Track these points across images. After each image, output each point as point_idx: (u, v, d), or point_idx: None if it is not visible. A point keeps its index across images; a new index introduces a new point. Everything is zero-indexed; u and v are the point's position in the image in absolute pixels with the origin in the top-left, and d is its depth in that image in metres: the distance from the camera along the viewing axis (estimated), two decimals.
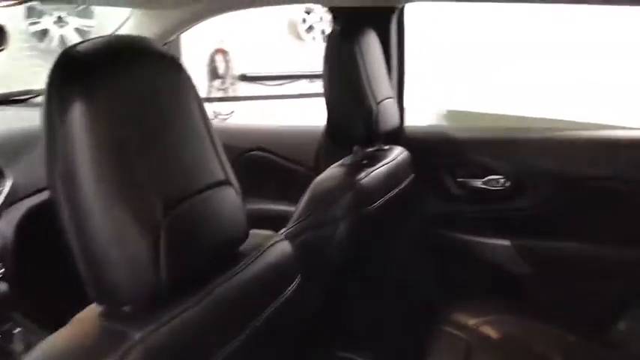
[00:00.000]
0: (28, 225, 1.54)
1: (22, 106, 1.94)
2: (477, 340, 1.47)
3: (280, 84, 4.96)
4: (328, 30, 4.28)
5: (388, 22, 1.69)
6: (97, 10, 4.93)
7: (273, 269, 0.84)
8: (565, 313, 1.60)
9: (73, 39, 5.85)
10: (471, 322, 1.53)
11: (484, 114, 2.83)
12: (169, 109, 0.71)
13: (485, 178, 1.70)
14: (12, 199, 1.48)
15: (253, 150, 2.01)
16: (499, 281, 1.71)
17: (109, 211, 0.62)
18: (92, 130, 0.61)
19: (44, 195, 1.57)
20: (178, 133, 0.71)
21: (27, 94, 1.96)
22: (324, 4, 1.79)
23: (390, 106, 1.44)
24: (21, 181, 1.51)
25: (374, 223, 1.36)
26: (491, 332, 1.50)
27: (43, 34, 5.76)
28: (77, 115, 0.61)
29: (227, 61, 4.80)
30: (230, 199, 0.76)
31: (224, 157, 0.77)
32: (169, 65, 0.73)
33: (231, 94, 4.91)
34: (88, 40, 0.68)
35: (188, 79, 0.75)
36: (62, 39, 5.77)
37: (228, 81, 4.87)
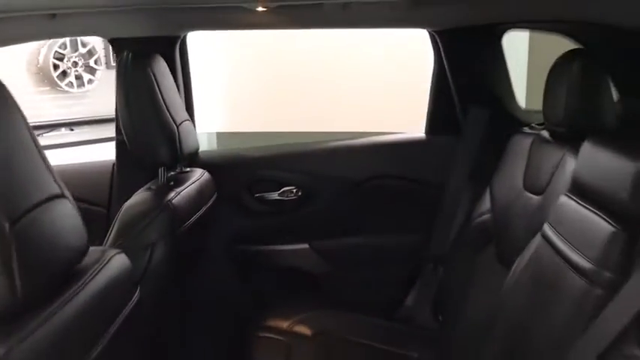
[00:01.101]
0: None
1: None
2: (294, 339, 1.60)
3: (38, 134, 4.51)
4: (85, 75, 4.08)
5: (173, 49, 1.73)
6: None
7: (114, 283, 0.89)
8: (364, 299, 1.82)
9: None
10: (285, 324, 1.65)
11: (249, 133, 3.03)
12: None
13: (280, 190, 1.85)
14: None
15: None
16: (304, 282, 1.87)
17: None
18: None
19: None
20: (10, 148, 0.72)
21: None
22: (104, 36, 1.75)
23: (189, 128, 1.49)
24: None
25: (186, 243, 1.40)
26: (305, 330, 1.63)
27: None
28: None
29: None
30: (68, 211, 0.79)
31: (54, 171, 0.79)
32: None
33: None
34: None
35: (10, 96, 0.75)
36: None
37: None
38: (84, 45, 3.93)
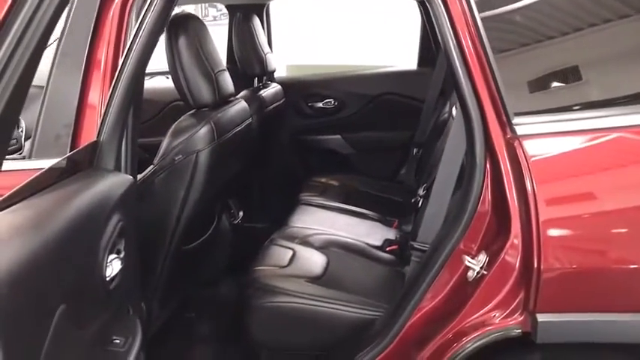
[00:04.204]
0: None
1: None
2: (329, 185, 2.70)
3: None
4: None
5: (265, 10, 2.85)
6: None
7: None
8: (373, 170, 2.90)
9: None
10: (324, 179, 2.75)
11: (314, 65, 4.13)
12: None
13: (324, 101, 2.95)
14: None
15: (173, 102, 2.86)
16: (336, 159, 2.98)
17: None
18: None
19: None
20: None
21: None
22: (222, 2, 2.90)
23: (270, 56, 2.59)
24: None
25: (268, 122, 2.50)
26: (335, 182, 2.73)
27: None
28: None
29: None
30: None
31: None
32: None
33: None
34: None
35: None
36: None
37: None
38: None
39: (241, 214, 2.40)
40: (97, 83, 1.40)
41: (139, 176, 1.60)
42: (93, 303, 1.06)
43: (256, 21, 2.52)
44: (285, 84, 2.84)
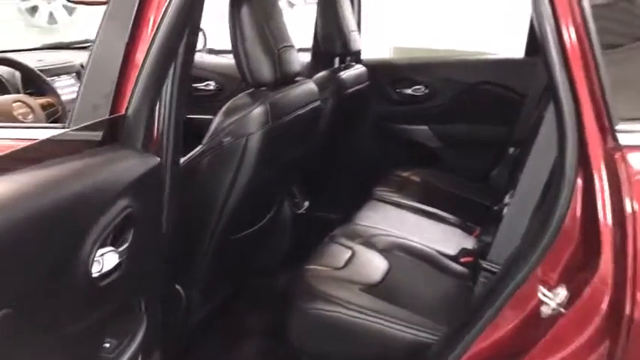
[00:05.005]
0: None
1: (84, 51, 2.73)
2: (407, 182, 2.47)
3: None
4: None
5: None
6: None
7: None
8: (464, 168, 2.62)
9: (61, 15, 6.40)
10: (406, 173, 2.53)
11: (422, 49, 3.87)
12: None
13: (413, 87, 2.70)
14: None
15: None
16: (420, 152, 2.73)
17: None
18: None
19: None
20: None
21: (86, 42, 2.77)
22: None
23: (356, 35, 2.39)
24: None
25: (346, 106, 2.31)
26: (416, 178, 2.50)
27: (34, 10, 6.26)
28: None
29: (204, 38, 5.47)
30: None
31: None
32: None
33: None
34: None
35: None
36: (51, 15, 6.30)
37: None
38: None
39: (307, 203, 2.24)
40: (143, 47, 1.27)
41: (184, 158, 1.48)
42: (71, 303, 0.93)
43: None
44: (372, 66, 2.62)
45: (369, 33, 3.39)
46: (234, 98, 1.54)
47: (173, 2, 1.11)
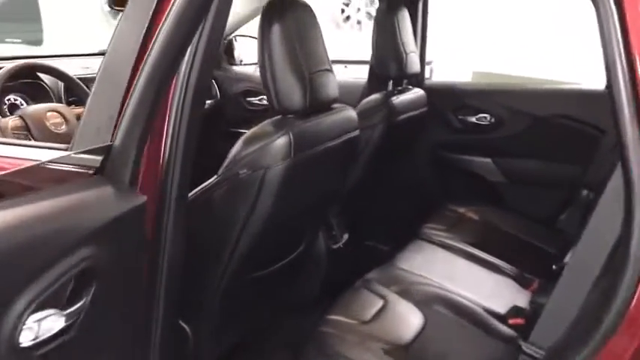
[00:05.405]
0: None
1: None
2: (462, 219, 2.24)
3: None
4: (364, 20, 5.04)
5: (417, 3, 2.43)
6: None
7: None
8: (526, 208, 2.36)
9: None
10: (460, 209, 2.29)
11: (503, 75, 3.61)
12: None
13: (477, 116, 2.46)
14: None
15: None
16: (481, 187, 2.48)
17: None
18: None
19: None
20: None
21: None
22: None
23: (414, 57, 2.18)
24: None
25: (397, 133, 2.11)
26: (473, 215, 2.26)
27: (117, 14, 6.47)
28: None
29: None
30: None
31: None
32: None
33: None
34: None
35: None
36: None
37: None
38: None
39: (346, 236, 2.06)
40: None
41: (197, 189, 1.34)
42: None
43: (403, 13, 2.13)
44: (434, 90, 2.41)
45: (450, 56, 3.19)
46: (259, 125, 1.39)
47: (164, 29, 0.97)
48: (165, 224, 1.13)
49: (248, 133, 1.36)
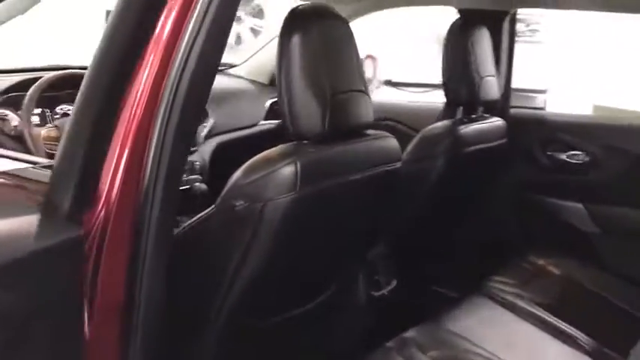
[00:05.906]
0: (217, 156, 2.14)
1: (221, 74, 2.60)
2: (539, 272, 1.89)
3: (424, 91, 5.28)
4: None
5: (501, 22, 2.14)
6: (267, 12, 5.79)
7: None
8: (622, 263, 1.97)
9: (247, 36, 6.65)
10: (539, 261, 1.95)
11: (630, 111, 3.20)
12: None
13: (568, 153, 2.11)
14: (209, 134, 2.11)
15: (382, 120, 2.40)
16: (567, 236, 2.11)
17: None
18: None
19: (234, 134, 2.22)
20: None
21: (223, 66, 2.62)
22: (455, 6, 2.25)
23: (491, 82, 1.90)
24: (219, 122, 2.14)
25: (467, 167, 1.83)
26: (554, 269, 1.91)
27: None
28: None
29: (375, 67, 5.25)
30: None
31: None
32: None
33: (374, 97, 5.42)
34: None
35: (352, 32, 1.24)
36: (238, 36, 6.55)
37: (374, 85, 5.33)
38: None
39: (394, 283, 1.80)
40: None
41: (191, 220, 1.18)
42: None
43: (481, 32, 1.87)
44: (520, 120, 2.11)
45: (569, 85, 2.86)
46: (268, 151, 1.19)
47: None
48: (140, 269, 0.96)
49: (252, 159, 1.17)
